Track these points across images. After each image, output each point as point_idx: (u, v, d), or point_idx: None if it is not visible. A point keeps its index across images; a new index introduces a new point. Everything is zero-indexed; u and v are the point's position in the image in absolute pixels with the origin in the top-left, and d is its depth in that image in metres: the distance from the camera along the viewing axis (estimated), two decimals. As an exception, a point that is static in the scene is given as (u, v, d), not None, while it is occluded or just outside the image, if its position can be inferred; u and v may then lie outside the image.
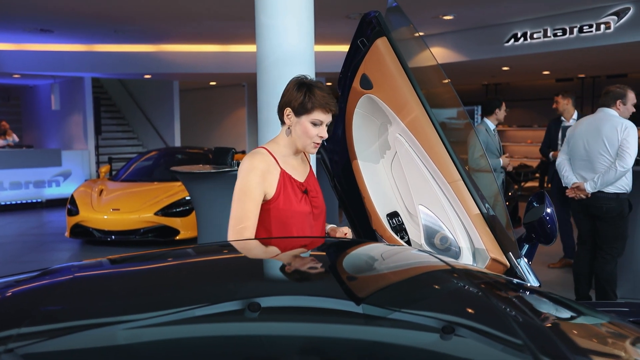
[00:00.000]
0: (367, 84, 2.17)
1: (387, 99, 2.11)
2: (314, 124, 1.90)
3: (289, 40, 4.55)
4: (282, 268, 1.39)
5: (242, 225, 1.86)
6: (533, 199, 2.21)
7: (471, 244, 2.00)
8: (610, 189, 3.98)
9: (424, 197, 2.11)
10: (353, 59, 2.28)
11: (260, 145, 2.10)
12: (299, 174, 2.03)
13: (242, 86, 14.70)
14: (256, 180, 1.89)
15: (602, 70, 12.24)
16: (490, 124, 5.47)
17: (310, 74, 4.71)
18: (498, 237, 2.00)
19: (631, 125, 3.93)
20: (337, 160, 2.52)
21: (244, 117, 14.92)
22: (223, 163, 4.79)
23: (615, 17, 7.38)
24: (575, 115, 5.50)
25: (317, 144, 1.95)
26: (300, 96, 1.90)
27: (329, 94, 1.93)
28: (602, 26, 7.51)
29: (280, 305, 1.10)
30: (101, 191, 7.30)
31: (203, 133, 15.92)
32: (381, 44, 2.09)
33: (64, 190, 10.49)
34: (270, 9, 4.58)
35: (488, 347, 0.94)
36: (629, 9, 7.25)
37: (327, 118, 1.92)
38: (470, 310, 1.08)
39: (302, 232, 1.96)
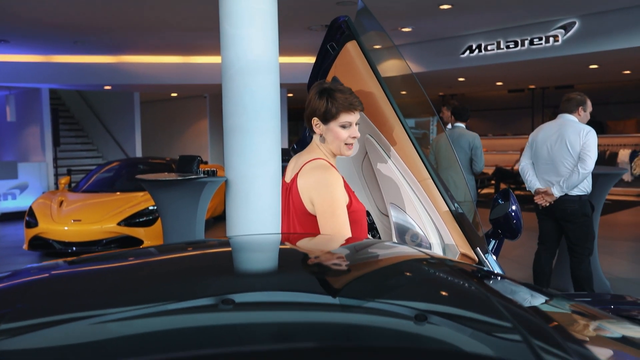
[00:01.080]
0: (337, 86, 2.20)
1: (357, 101, 2.14)
2: (343, 127, 1.91)
3: (253, 49, 4.54)
4: (262, 261, 1.39)
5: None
6: (499, 197, 2.27)
7: (441, 240, 2.04)
8: (573, 192, 4.11)
9: (394, 196, 2.15)
10: (323, 63, 2.30)
11: (295, 154, 2.09)
12: None
13: (203, 97, 14.57)
14: (342, 191, 1.89)
15: (551, 82, 12.72)
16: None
17: (275, 83, 4.73)
18: (466, 233, 2.05)
19: (591, 130, 4.08)
20: (307, 163, 2.52)
21: (206, 129, 14.77)
22: (189, 171, 4.73)
23: (562, 31, 7.70)
24: (449, 126, 5.79)
25: (351, 145, 1.95)
26: (323, 104, 1.90)
27: (350, 93, 1.92)
28: (551, 39, 7.82)
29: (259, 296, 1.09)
30: (61, 202, 7.08)
31: (165, 145, 15.67)
32: (351, 47, 2.12)
33: (21, 203, 10.12)
34: (234, 18, 4.57)
35: (475, 328, 0.96)
36: (574, 23, 7.59)
37: (354, 117, 1.92)
38: (454, 294, 1.11)
39: (366, 229, 1.99)
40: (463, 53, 8.75)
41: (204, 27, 7.64)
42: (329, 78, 2.21)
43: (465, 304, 1.04)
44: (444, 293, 1.12)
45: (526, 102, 14.59)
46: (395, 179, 2.13)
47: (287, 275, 1.21)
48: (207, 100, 14.54)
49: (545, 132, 4.28)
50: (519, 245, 6.90)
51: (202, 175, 4.64)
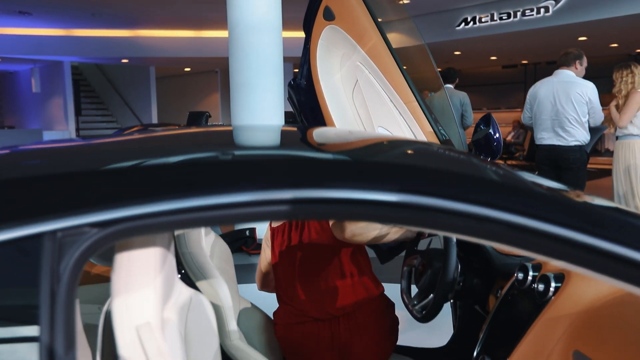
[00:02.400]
0: (329, 15, 2.18)
1: (348, 29, 2.12)
2: None
3: (258, 9, 4.51)
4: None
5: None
6: (480, 122, 2.26)
7: (425, 157, 2.04)
8: (574, 142, 4.15)
9: (382, 118, 2.14)
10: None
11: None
12: None
13: (215, 72, 14.49)
14: None
15: (542, 57, 12.54)
16: None
17: (278, 42, 4.70)
18: (449, 152, 2.04)
19: (594, 87, 4.13)
20: (304, 100, 2.52)
21: (218, 102, 14.73)
22: (197, 125, 4.74)
23: (553, 2, 7.56)
24: None
25: None
26: None
27: None
28: (542, 10, 7.68)
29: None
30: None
31: (178, 118, 15.65)
32: (342, -24, 2.10)
33: (46, 168, 10.19)
34: (240, -21, 4.52)
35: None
36: (565, -6, 7.45)
37: None
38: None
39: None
40: (459, 25, 8.62)
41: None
42: (322, 7, 2.19)
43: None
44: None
45: (519, 77, 14.42)
46: (383, 103, 2.12)
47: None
48: (218, 75, 14.46)
49: (547, 88, 4.24)
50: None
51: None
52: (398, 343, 1.78)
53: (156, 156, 0.84)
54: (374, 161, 0.85)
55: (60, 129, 11.53)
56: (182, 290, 1.04)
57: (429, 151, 1.04)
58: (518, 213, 0.72)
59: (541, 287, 1.28)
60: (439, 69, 16.06)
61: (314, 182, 0.72)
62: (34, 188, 0.71)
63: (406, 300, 1.68)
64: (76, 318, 0.66)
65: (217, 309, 1.31)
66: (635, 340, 1.03)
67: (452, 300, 2.01)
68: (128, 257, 0.79)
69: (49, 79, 11.82)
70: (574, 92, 4.09)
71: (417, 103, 2.07)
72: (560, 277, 1.27)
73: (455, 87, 5.72)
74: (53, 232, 0.65)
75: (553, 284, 1.26)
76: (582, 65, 4.20)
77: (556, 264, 0.78)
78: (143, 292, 0.79)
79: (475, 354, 1.40)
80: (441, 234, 1.22)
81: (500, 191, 0.78)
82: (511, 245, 0.73)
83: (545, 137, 4.27)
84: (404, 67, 2.11)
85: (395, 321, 1.73)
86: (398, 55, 2.14)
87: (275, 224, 1.77)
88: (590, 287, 1.20)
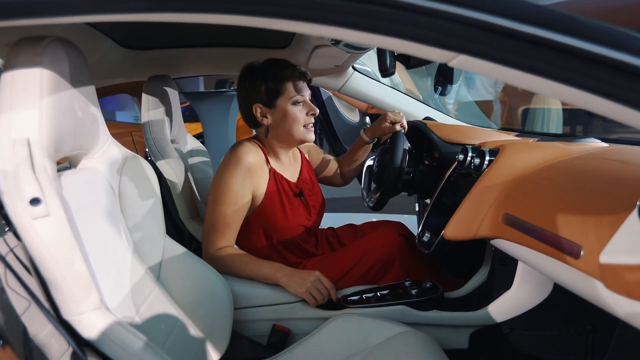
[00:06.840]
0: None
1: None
2: (296, 103, 1.14)
3: None
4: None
5: (219, 239, 1.13)
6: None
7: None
8: None
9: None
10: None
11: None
12: (291, 173, 1.28)
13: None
14: (241, 176, 1.12)
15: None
16: None
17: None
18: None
19: None
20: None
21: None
22: (222, 88, 4.60)
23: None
24: None
25: (312, 125, 1.17)
26: (261, 84, 1.13)
27: (286, 60, 1.16)
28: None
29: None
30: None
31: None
32: None
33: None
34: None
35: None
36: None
37: (304, 87, 1.15)
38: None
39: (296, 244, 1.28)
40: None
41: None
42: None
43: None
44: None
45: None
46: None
47: None
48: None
49: None
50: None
51: (231, 89, 4.48)
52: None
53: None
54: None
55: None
56: (112, 148, 0.88)
57: None
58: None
59: (477, 161, 1.08)
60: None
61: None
62: None
63: (364, 195, 1.49)
64: None
65: (173, 186, 1.16)
66: (556, 193, 0.84)
67: (417, 199, 1.81)
68: (12, 76, 0.63)
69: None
70: None
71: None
72: (494, 151, 1.06)
73: None
74: None
75: (487, 158, 1.06)
76: None
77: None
78: (26, 111, 0.62)
79: (418, 232, 1.21)
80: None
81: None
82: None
83: None
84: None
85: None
86: None
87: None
88: (522, 158, 1.00)
